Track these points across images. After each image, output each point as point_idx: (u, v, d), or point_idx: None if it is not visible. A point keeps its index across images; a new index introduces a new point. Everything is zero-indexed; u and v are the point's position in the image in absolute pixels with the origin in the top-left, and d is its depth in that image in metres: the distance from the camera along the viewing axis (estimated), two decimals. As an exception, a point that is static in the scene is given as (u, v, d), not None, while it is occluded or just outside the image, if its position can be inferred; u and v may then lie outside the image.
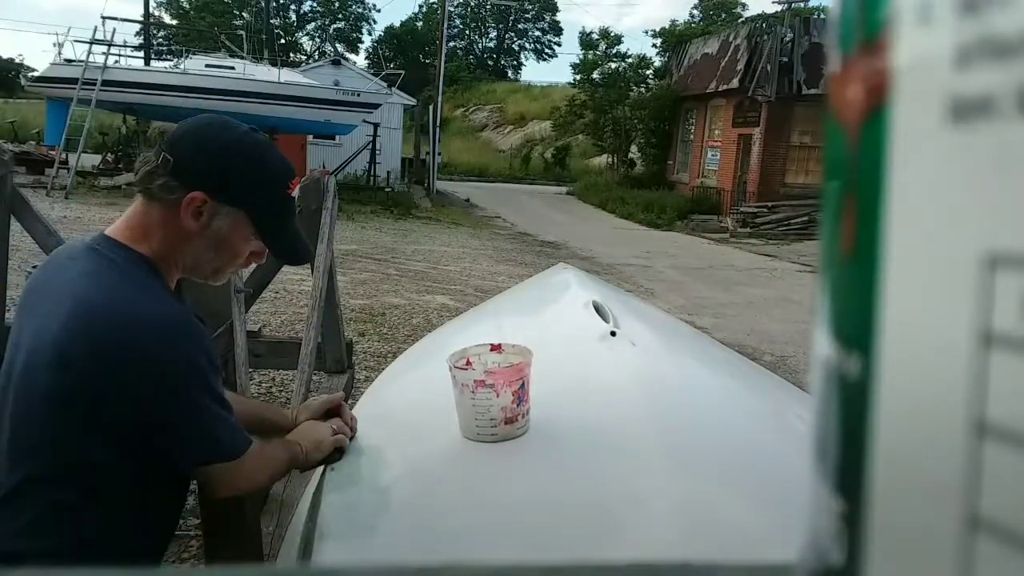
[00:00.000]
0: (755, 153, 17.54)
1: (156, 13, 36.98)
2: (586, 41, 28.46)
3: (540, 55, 55.74)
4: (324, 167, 14.82)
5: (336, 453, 1.30)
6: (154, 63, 21.66)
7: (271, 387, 4.40)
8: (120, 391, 1.05)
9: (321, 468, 1.33)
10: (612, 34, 26.83)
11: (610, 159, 25.54)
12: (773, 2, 18.26)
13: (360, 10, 50.82)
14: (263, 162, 1.18)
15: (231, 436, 1.15)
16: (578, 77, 26.95)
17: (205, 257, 1.17)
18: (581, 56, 28.09)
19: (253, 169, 1.16)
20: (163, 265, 1.15)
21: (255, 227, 1.18)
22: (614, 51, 25.91)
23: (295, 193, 1.27)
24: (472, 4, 53.15)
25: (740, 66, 17.83)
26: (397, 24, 50.28)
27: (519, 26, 55.48)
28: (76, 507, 1.08)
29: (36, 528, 1.06)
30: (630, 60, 25.20)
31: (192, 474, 1.17)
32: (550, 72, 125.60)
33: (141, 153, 1.24)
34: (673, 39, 26.10)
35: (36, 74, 18.21)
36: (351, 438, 1.35)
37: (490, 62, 55.10)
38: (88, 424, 1.06)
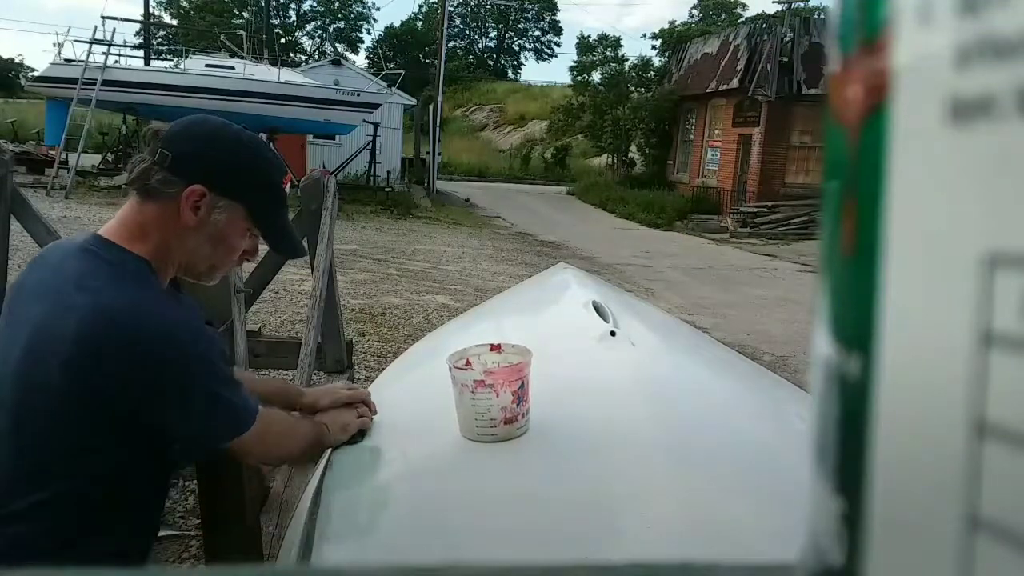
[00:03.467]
0: (755, 153, 17.54)
1: (156, 13, 36.99)
2: (584, 44, 28.42)
3: (540, 55, 55.82)
4: (324, 167, 14.81)
5: (359, 434, 1.35)
6: (154, 63, 21.69)
7: (271, 387, 4.39)
8: (140, 391, 1.07)
9: (322, 465, 1.33)
10: (611, 37, 26.84)
11: (610, 159, 25.52)
12: (773, 2, 18.29)
13: (360, 10, 50.88)
14: (259, 155, 1.21)
15: (244, 405, 1.15)
16: (578, 79, 26.89)
17: (202, 253, 1.17)
18: (577, 60, 28.10)
19: (250, 161, 1.19)
20: (159, 265, 1.15)
21: (253, 220, 1.19)
22: (613, 54, 25.86)
23: (287, 188, 1.29)
24: (472, 4, 53.17)
25: (740, 66, 17.83)
26: (397, 24, 50.40)
27: (519, 26, 55.51)
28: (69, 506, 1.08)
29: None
30: (629, 63, 25.17)
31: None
32: (550, 72, 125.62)
33: (135, 153, 1.25)
34: (673, 40, 26.10)
35: (36, 74, 18.23)
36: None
37: (490, 62, 55.09)
38: (103, 428, 1.07)
